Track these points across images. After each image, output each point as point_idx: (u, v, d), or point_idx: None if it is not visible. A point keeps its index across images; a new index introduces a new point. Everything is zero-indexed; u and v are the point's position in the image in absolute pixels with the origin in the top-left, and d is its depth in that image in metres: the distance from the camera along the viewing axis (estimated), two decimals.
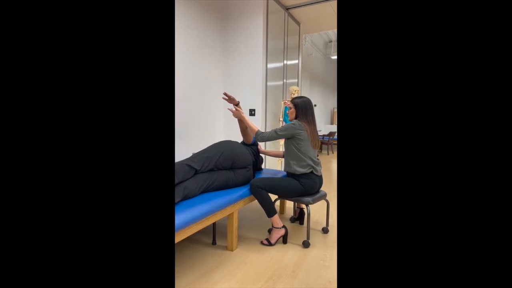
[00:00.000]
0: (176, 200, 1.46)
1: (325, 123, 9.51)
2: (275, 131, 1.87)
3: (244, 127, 2.09)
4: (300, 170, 1.85)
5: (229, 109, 2.08)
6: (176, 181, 1.54)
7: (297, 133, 1.83)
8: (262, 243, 1.87)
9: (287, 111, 3.00)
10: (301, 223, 2.25)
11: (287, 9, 3.47)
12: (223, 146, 1.87)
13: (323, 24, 4.03)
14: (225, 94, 1.99)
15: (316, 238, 1.99)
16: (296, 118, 1.93)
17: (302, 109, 1.90)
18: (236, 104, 2.03)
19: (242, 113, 2.01)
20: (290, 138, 1.87)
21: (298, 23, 3.88)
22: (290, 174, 1.93)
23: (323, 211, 2.55)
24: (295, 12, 3.58)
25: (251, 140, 2.17)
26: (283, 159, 3.39)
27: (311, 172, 1.86)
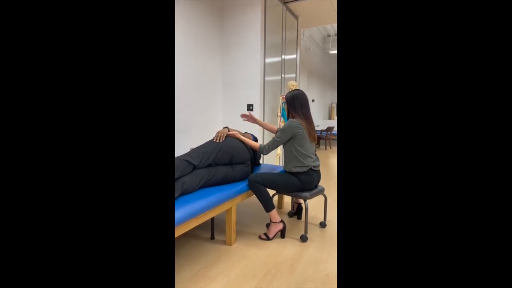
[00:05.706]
0: (175, 195, 1.46)
1: (323, 118, 9.50)
2: (275, 140, 1.88)
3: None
4: (299, 170, 1.86)
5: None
6: (175, 176, 1.54)
7: (296, 132, 1.83)
8: (260, 237, 1.89)
9: (284, 107, 3.00)
10: (299, 217, 2.27)
11: (285, 3, 3.44)
12: (222, 142, 1.87)
13: (321, 18, 4.01)
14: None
15: (314, 232, 2.00)
16: (289, 113, 1.94)
17: (291, 103, 1.91)
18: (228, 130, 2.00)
19: (236, 134, 1.96)
20: (289, 140, 1.87)
21: (296, 17, 3.85)
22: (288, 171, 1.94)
23: (321, 206, 2.57)
24: (293, 6, 3.55)
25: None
26: (281, 155, 3.40)
27: (310, 168, 1.87)
